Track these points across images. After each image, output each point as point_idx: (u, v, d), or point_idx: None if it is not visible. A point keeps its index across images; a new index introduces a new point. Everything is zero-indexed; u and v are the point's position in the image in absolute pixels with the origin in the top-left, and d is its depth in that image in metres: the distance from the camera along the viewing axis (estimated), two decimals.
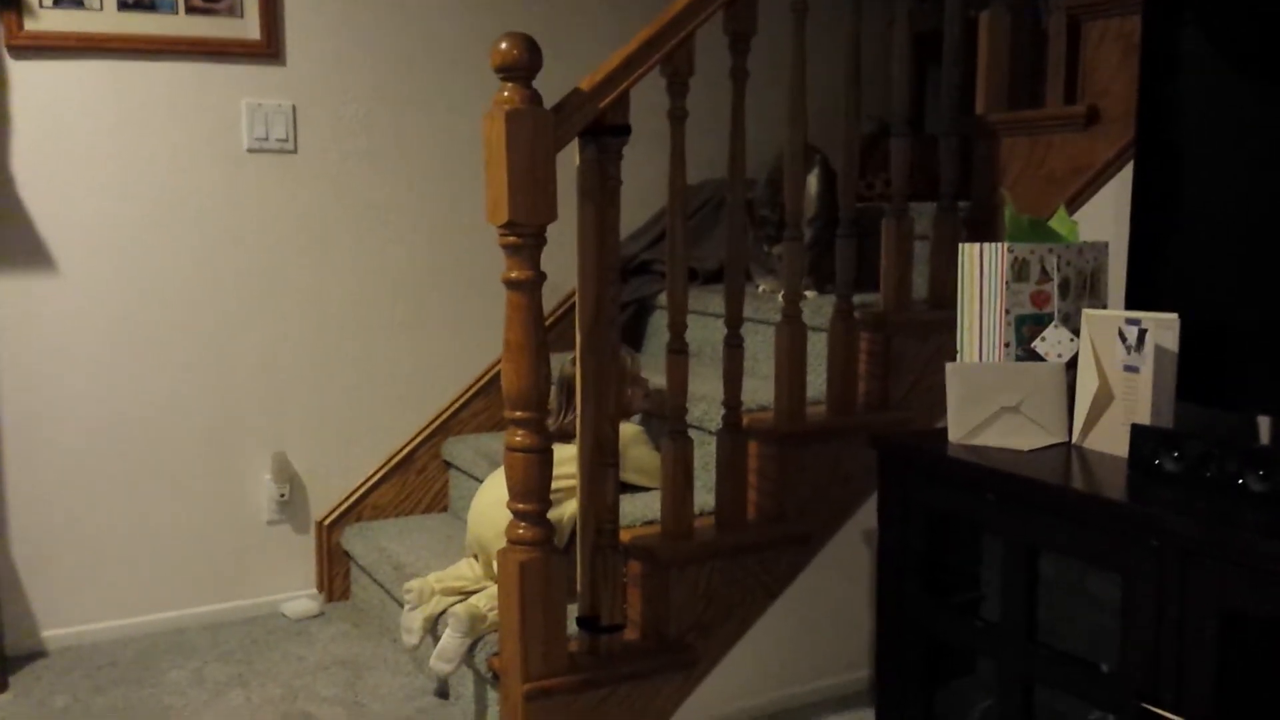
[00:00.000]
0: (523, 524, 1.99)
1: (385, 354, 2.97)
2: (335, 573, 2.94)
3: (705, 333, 2.93)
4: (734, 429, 2.23)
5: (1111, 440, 1.76)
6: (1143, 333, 1.69)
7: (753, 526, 2.27)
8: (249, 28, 2.73)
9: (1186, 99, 1.77)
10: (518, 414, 1.97)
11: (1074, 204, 2.25)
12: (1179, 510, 1.47)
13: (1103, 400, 1.77)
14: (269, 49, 2.76)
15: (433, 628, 2.34)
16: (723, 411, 2.23)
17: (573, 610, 2.11)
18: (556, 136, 1.92)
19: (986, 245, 1.92)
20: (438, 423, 3.03)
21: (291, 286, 2.85)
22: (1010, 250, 1.89)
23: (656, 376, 2.65)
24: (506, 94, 1.85)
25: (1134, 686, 1.51)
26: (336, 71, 2.84)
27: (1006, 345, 1.92)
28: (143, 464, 2.73)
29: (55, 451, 2.65)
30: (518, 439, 1.97)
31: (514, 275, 1.93)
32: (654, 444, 2.54)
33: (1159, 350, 1.69)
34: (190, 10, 2.67)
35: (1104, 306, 1.96)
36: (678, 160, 2.11)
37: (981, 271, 1.93)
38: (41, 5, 2.53)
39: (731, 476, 2.24)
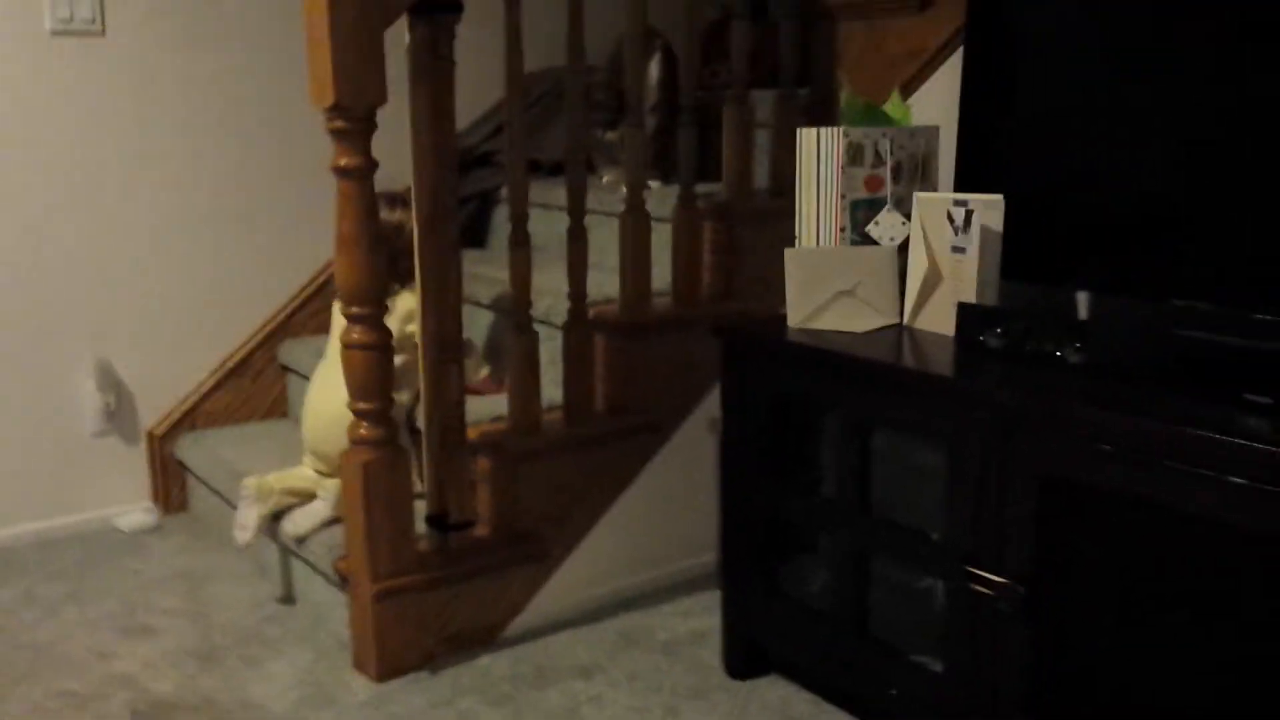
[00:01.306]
0: (364, 423, 1.95)
1: (216, 251, 2.83)
2: (170, 484, 2.83)
3: (551, 226, 2.87)
4: (579, 321, 2.22)
5: (941, 320, 1.81)
6: (969, 214, 1.73)
7: (601, 418, 2.27)
8: None
9: None
10: (354, 309, 1.91)
11: (910, 88, 2.28)
12: (1000, 383, 1.53)
13: (932, 281, 1.82)
14: None
15: (268, 527, 2.28)
16: (568, 305, 2.21)
17: (421, 510, 2.09)
18: (384, 10, 1.83)
19: (822, 130, 1.93)
20: (274, 324, 2.92)
21: (109, 179, 2.67)
22: (845, 135, 1.90)
23: (501, 272, 2.61)
24: None
25: (960, 553, 1.58)
26: None
27: (842, 230, 1.94)
28: None
29: None
30: (355, 335, 1.92)
31: (343, 162, 1.86)
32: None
33: (985, 230, 1.73)
34: None
35: (935, 190, 2.00)
36: (513, 43, 2.04)
37: (818, 157, 1.94)
38: None
39: (578, 369, 2.23)
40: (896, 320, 1.89)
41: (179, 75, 2.72)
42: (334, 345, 2.39)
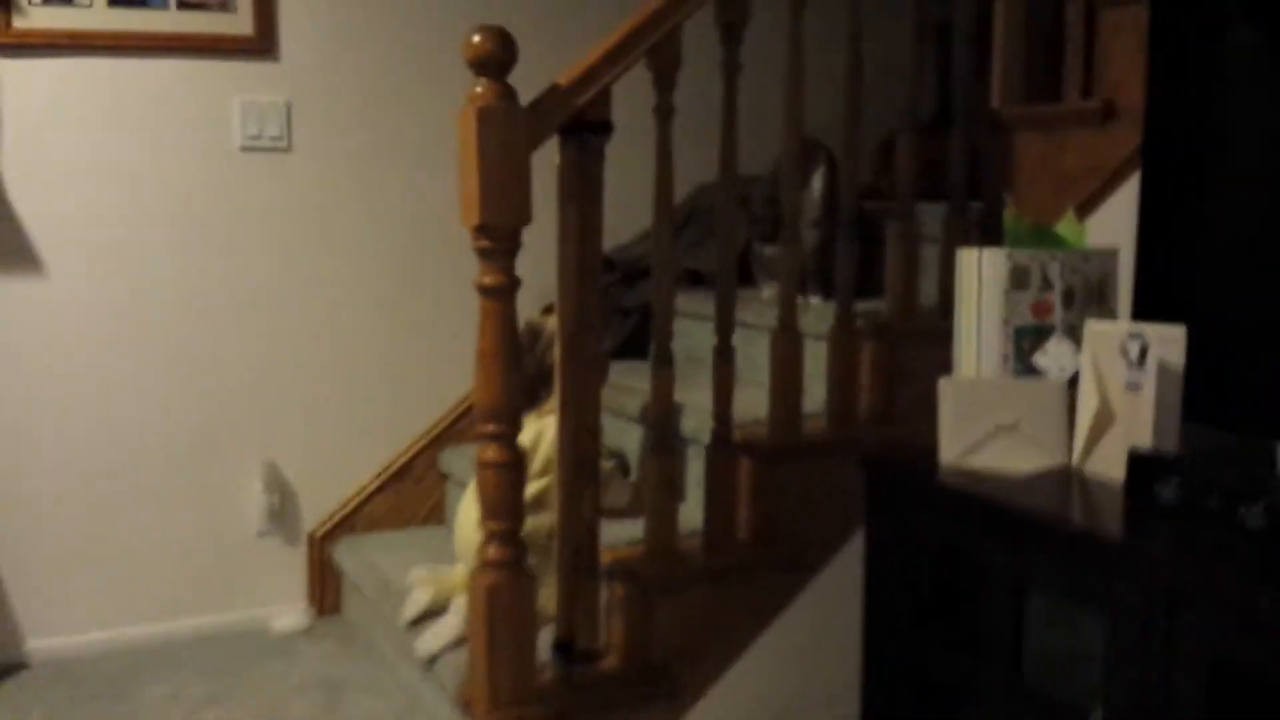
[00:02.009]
0: (492, 544, 1.89)
1: (384, 358, 2.89)
2: (327, 587, 2.86)
3: (710, 339, 2.79)
4: (723, 443, 2.11)
5: (1114, 464, 1.61)
6: (1144, 347, 1.55)
7: (743, 548, 2.14)
8: (241, 23, 2.66)
9: (1199, 91, 1.62)
10: (490, 427, 1.86)
11: (1089, 207, 2.09)
12: (1167, 549, 1.33)
13: (1104, 420, 1.62)
14: (262, 44, 2.69)
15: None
16: (712, 425, 2.11)
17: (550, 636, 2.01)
18: (532, 135, 1.81)
19: (985, 251, 1.78)
20: (436, 431, 2.95)
21: (285, 288, 2.78)
22: (1009, 256, 1.75)
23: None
24: (479, 90, 1.76)
25: None
26: (332, 66, 2.77)
27: (1005, 359, 1.77)
28: (129, 471, 2.68)
29: (41, 458, 2.60)
30: (489, 454, 1.86)
31: (486, 281, 1.83)
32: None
33: (1163, 366, 1.54)
34: (182, 5, 2.61)
35: (1113, 318, 1.81)
36: (663, 159, 2.00)
37: (980, 279, 1.79)
38: (31, 2, 2.48)
39: (721, 494, 2.11)
40: (1064, 461, 1.70)
41: (358, 190, 2.82)
42: None
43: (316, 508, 2.86)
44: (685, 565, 2.08)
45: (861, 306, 2.36)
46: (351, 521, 2.88)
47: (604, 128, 1.92)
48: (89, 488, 2.65)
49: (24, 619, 2.61)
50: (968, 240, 2.27)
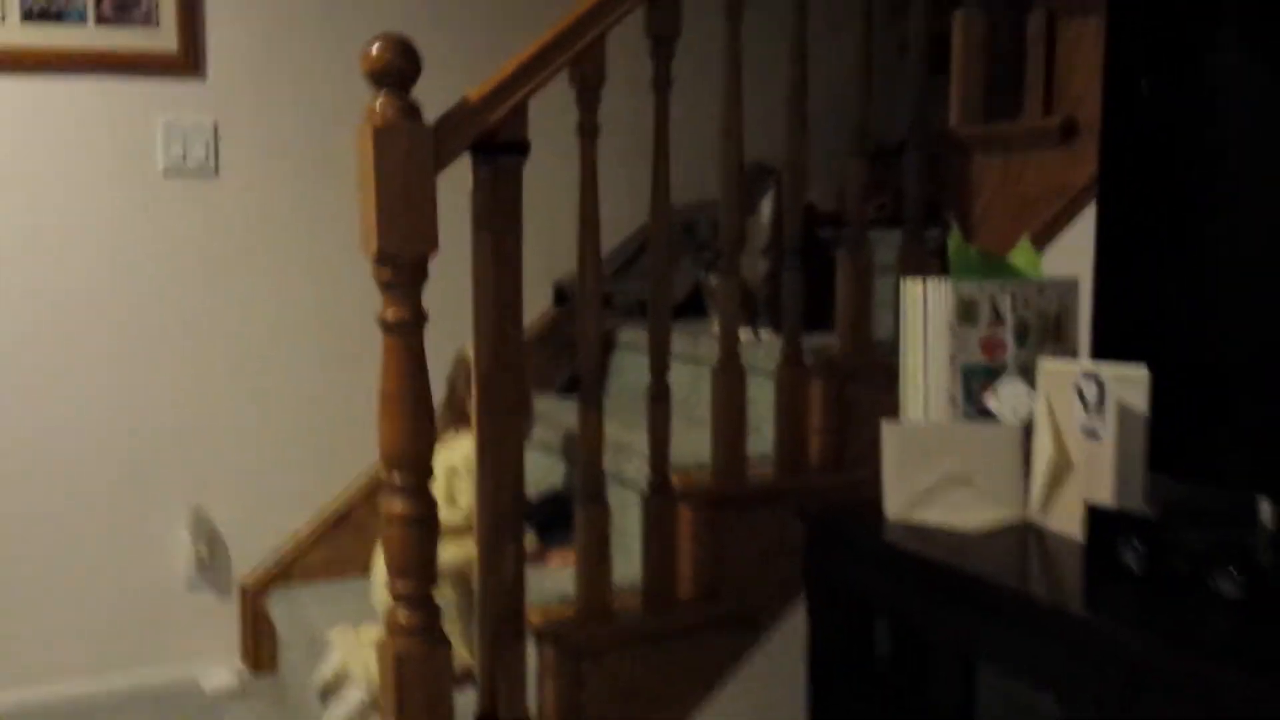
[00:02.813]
0: (402, 607, 1.73)
1: (320, 396, 2.73)
2: (261, 642, 2.69)
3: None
4: (661, 491, 1.95)
5: (1073, 518, 1.44)
6: (1101, 388, 1.38)
7: (685, 606, 1.98)
8: (165, 38, 2.51)
9: (1162, 106, 1.46)
10: (395, 477, 1.71)
11: (1049, 233, 1.94)
12: (1127, 622, 1.16)
13: (1061, 470, 1.46)
14: (188, 61, 2.54)
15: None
16: (647, 473, 1.95)
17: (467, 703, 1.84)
18: (438, 154, 1.66)
19: (930, 281, 1.63)
20: (379, 474, 2.77)
21: (213, 321, 2.62)
22: (955, 288, 1.59)
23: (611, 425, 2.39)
24: (377, 105, 1.61)
25: None
26: (262, 85, 2.62)
27: (953, 401, 1.61)
28: (45, 515, 2.51)
29: None
30: (395, 508, 1.70)
31: (388, 315, 1.67)
32: None
33: (1123, 410, 1.38)
34: (101, 20, 2.46)
35: (1074, 356, 1.65)
36: (588, 183, 1.85)
37: (925, 313, 1.63)
38: None
39: (659, 547, 1.95)
40: (1020, 514, 1.54)
41: (290, 217, 2.67)
42: None
43: (248, 557, 2.69)
44: (620, 626, 1.92)
45: (815, 341, 2.21)
46: (287, 572, 2.71)
47: (519, 147, 1.77)
48: (4, 534, 2.48)
49: None
50: (926, 270, 2.12)
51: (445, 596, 2.11)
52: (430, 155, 1.64)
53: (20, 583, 2.51)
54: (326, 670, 2.18)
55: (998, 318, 1.60)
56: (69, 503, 2.53)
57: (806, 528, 1.63)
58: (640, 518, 1.99)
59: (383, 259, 1.65)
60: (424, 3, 2.68)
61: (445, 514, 1.79)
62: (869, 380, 2.08)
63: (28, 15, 2.40)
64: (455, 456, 2.24)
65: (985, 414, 1.60)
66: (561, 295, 2.91)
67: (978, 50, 2.16)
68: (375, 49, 1.60)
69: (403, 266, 1.65)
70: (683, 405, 2.22)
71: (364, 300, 2.69)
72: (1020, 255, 1.68)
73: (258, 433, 2.67)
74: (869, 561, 1.54)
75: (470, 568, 1.99)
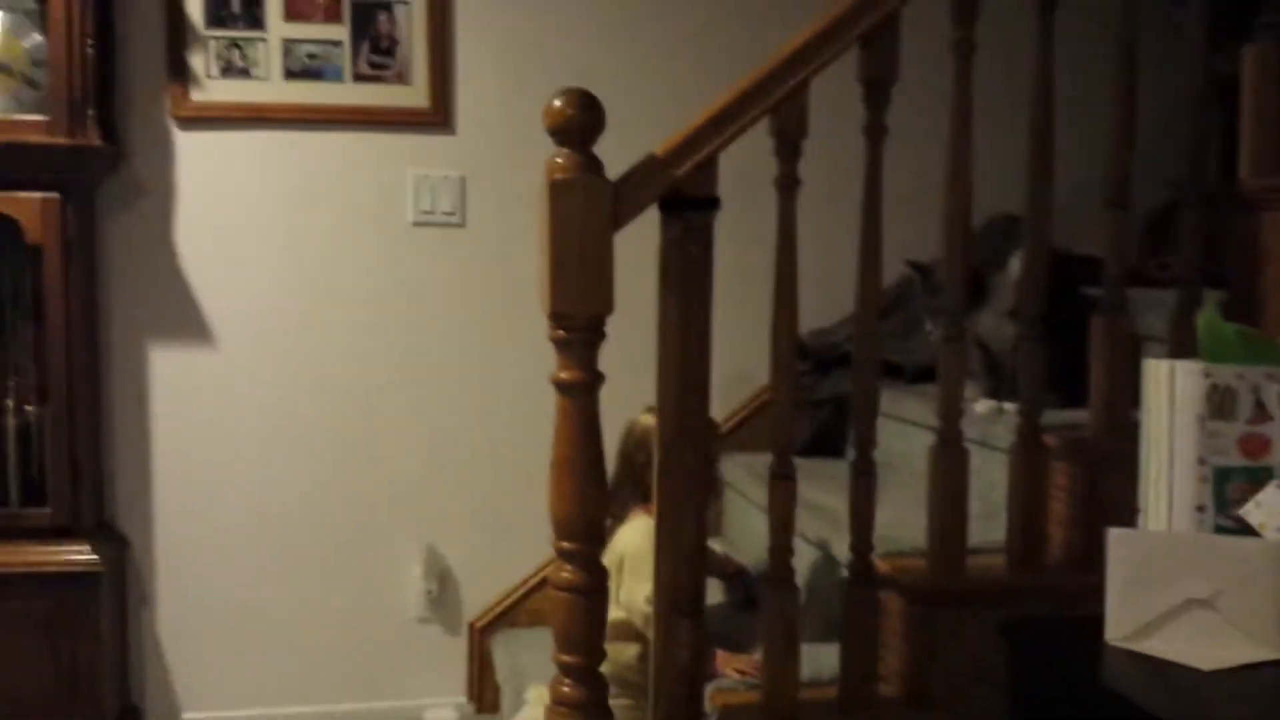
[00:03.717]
0: (567, 681, 1.64)
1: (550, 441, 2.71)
2: (486, 682, 2.70)
3: (903, 442, 2.42)
4: (862, 579, 1.75)
5: None
6: None
7: (886, 709, 1.77)
8: (418, 95, 2.61)
9: None
10: (564, 544, 1.62)
11: None
12: None
13: None
14: (438, 117, 2.62)
15: None
16: (849, 557, 1.76)
17: None
18: (617, 210, 1.58)
19: (1179, 364, 1.35)
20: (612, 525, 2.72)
21: (455, 366, 2.68)
22: (1206, 373, 1.31)
23: (829, 498, 2.21)
24: (558, 161, 1.56)
25: None
26: (509, 140, 2.65)
27: (1200, 509, 1.33)
28: (293, 549, 2.65)
29: (206, 530, 2.62)
30: (565, 575, 1.62)
31: (562, 376, 1.60)
32: None
33: None
34: (358, 78, 2.59)
35: None
36: (786, 238, 1.69)
37: (1171, 402, 1.36)
38: (209, 75, 2.54)
39: (858, 640, 1.75)
40: (1276, 653, 1.24)
41: (532, 267, 2.68)
42: None
43: (479, 596, 2.72)
44: None
45: (1066, 417, 1.94)
46: (514, 614, 2.71)
47: (709, 203, 1.65)
48: (251, 564, 2.64)
49: (182, 690, 2.62)
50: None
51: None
52: (608, 211, 1.56)
53: (264, 610, 2.65)
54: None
55: (1262, 412, 1.31)
56: (311, 536, 2.66)
57: (1008, 643, 1.40)
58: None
59: (557, 317, 1.58)
60: (661, 59, 2.65)
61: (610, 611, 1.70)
62: (1128, 468, 1.79)
63: (290, 74, 2.56)
64: (623, 543, 2.15)
65: (1241, 528, 1.31)
66: (803, 352, 2.75)
67: (1274, 88, 1.82)
68: (557, 103, 1.54)
69: (577, 327, 1.58)
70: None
71: (606, 350, 2.67)
72: None
73: (493, 477, 2.70)
74: (1080, 692, 1.29)
75: (629, 670, 1.90)
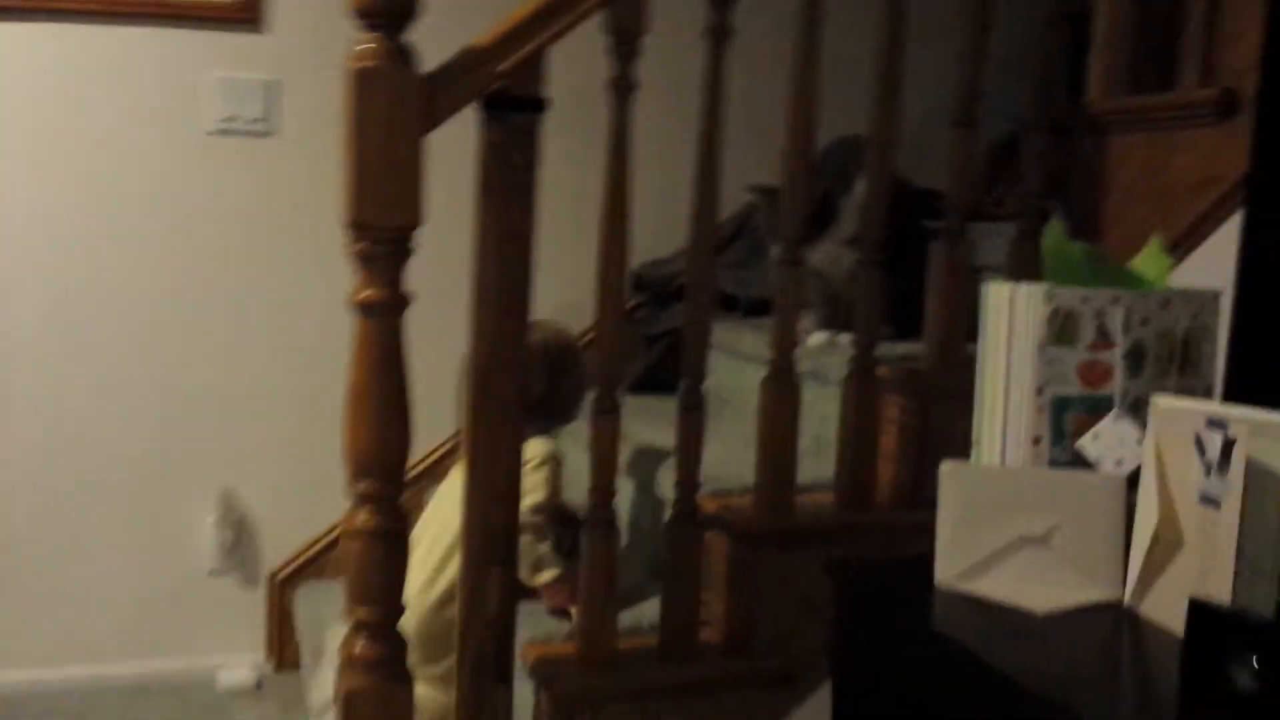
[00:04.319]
0: (361, 638, 1.47)
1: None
2: (287, 638, 2.50)
3: (738, 377, 2.32)
4: (686, 520, 1.64)
5: (1177, 610, 1.07)
6: (1229, 443, 1.01)
7: (711, 655, 1.66)
8: None
9: None
10: (361, 485, 1.45)
11: (1194, 235, 1.54)
12: None
13: (1169, 544, 1.09)
14: (246, 13, 2.35)
15: None
16: (674, 495, 1.64)
17: None
18: (430, 107, 1.40)
19: (1020, 286, 1.27)
20: (426, 463, 2.54)
21: (256, 293, 2.43)
22: (1050, 296, 1.23)
23: (650, 431, 2.09)
24: (364, 47, 1.37)
25: None
26: (329, 42, 2.39)
27: (1037, 441, 1.25)
28: (70, 491, 2.38)
29: None
30: (360, 520, 1.45)
31: (362, 295, 1.43)
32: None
33: (1257, 474, 1.00)
34: None
35: (1207, 395, 1.26)
36: (618, 149, 1.55)
37: (1009, 327, 1.28)
38: None
39: (680, 585, 1.64)
40: (1113, 596, 1.17)
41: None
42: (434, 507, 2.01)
43: (280, 546, 2.50)
44: (628, 675, 1.62)
45: (901, 350, 1.87)
46: (319, 564, 2.51)
47: (534, 105, 1.49)
48: (22, 506, 2.36)
49: None
50: (1040, 275, 1.74)
51: None
52: (420, 108, 1.39)
53: (40, 563, 2.38)
54: (323, 688, 1.95)
55: (1105, 338, 1.23)
56: (94, 480, 2.40)
57: (832, 585, 1.30)
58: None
59: (357, 228, 1.41)
60: None
61: None
62: (962, 402, 1.71)
63: None
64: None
65: (1079, 461, 1.24)
66: (638, 283, 2.62)
67: (1127, 7, 1.76)
68: None
69: (382, 240, 1.41)
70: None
71: (428, 279, 2.48)
72: (1147, 260, 1.31)
73: (298, 416, 2.48)
74: (905, 636, 1.20)
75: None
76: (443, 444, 2.49)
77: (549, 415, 2.01)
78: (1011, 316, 1.27)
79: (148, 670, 2.42)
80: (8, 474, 2.35)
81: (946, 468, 1.24)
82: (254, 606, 2.49)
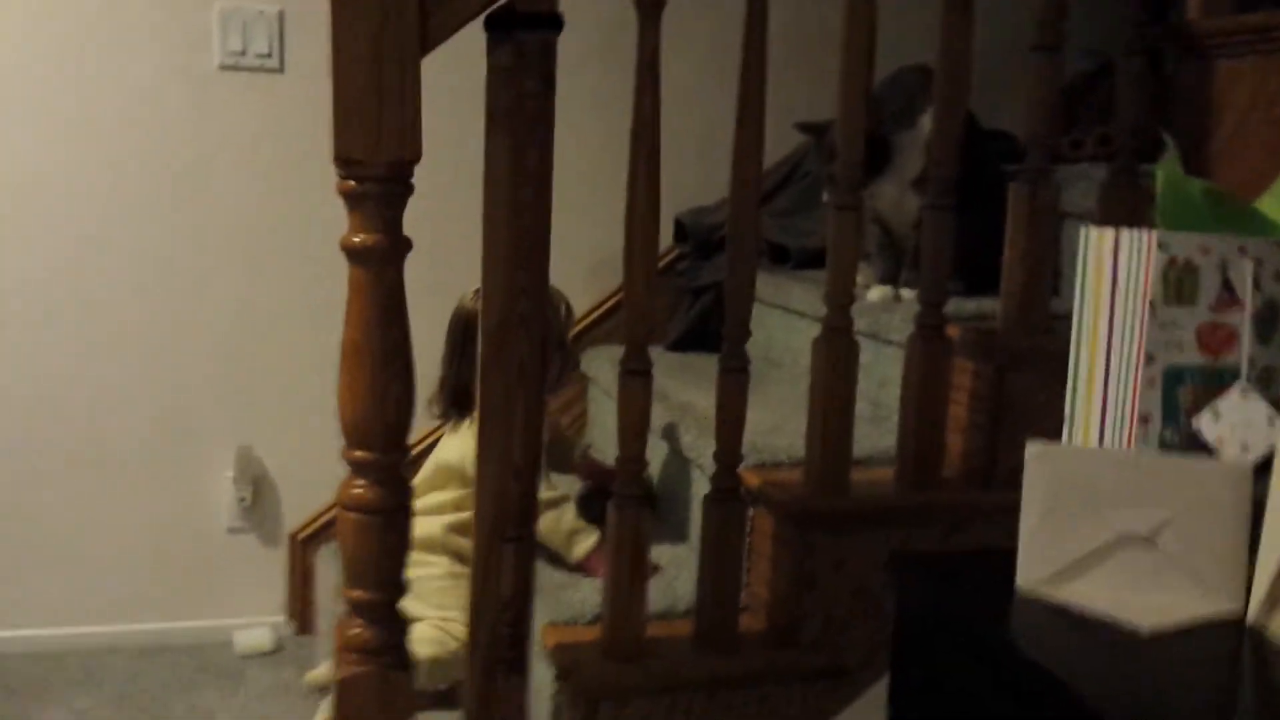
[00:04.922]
0: (358, 621, 1.32)
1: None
2: (308, 600, 2.37)
3: (789, 335, 2.13)
4: (727, 496, 1.45)
5: None
6: None
7: (751, 647, 1.49)
8: None
9: None
10: (357, 454, 1.29)
11: None
12: None
13: None
14: None
15: None
16: (713, 468, 1.46)
17: None
18: (426, 25, 1.21)
19: (1123, 233, 1.06)
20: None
21: (270, 241, 2.28)
22: (1162, 244, 1.02)
23: (690, 393, 1.92)
24: None
25: None
26: None
27: (1145, 420, 1.05)
28: (84, 450, 2.25)
29: None
30: (356, 491, 1.29)
31: (356, 240, 1.25)
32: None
33: None
34: None
35: None
36: (649, 71, 1.35)
37: (1112, 281, 1.07)
38: None
39: (721, 565, 1.46)
40: (1234, 609, 0.97)
41: None
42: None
43: (301, 504, 2.37)
44: (656, 666, 1.45)
45: (973, 307, 1.66)
46: None
47: (548, 21, 1.30)
48: (38, 468, 2.24)
49: None
50: (1138, 215, 1.52)
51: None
52: (413, 25, 1.19)
53: (60, 522, 2.27)
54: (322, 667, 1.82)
55: (1231, 295, 1.02)
56: (111, 439, 2.27)
57: (895, 582, 1.12)
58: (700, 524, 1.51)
59: (346, 164, 1.22)
60: None
61: None
62: (1044, 368, 1.51)
63: None
64: (451, 453, 1.86)
65: (1195, 445, 1.03)
66: (681, 232, 2.42)
67: None
68: None
69: (374, 177, 1.22)
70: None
71: (448, 221, 2.31)
72: (1276, 202, 1.09)
73: (317, 369, 2.31)
74: (978, 652, 1.02)
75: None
76: None
77: None
78: (1115, 269, 1.06)
79: (163, 629, 2.30)
80: (19, 433, 2.22)
81: (1034, 450, 1.04)
82: (274, 567, 2.37)
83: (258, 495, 2.33)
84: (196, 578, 2.32)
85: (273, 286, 2.29)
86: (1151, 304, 1.02)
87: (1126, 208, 1.55)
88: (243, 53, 2.20)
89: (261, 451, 2.33)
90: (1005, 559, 1.07)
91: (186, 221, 2.24)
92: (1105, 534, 1.02)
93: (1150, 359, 1.03)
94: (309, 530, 2.37)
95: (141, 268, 2.23)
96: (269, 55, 2.21)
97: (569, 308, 1.95)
